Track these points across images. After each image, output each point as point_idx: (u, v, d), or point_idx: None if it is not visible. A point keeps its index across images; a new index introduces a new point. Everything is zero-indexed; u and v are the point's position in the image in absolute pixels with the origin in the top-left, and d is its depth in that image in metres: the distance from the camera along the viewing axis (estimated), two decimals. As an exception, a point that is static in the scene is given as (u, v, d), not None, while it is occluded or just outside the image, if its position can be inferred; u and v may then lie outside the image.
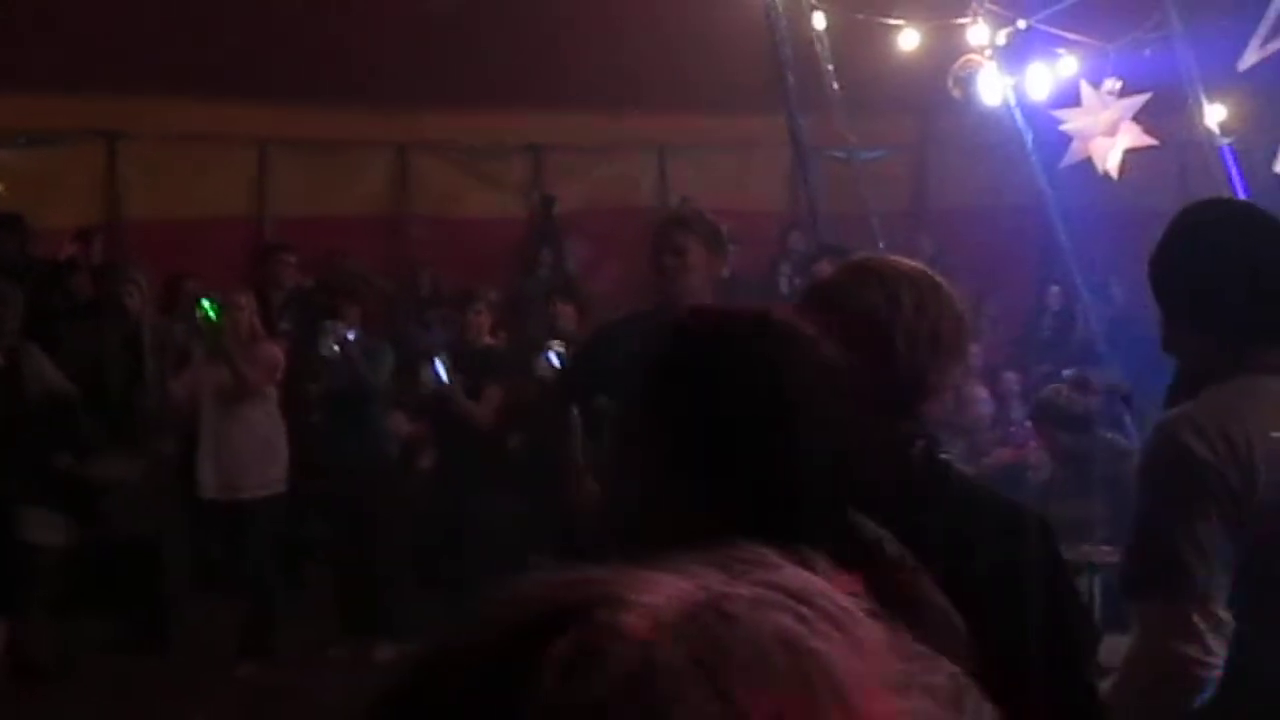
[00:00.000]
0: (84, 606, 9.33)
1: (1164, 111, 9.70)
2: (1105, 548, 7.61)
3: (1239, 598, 2.83)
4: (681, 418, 1.96)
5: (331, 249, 12.52)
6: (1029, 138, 10.24)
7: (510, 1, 11.40)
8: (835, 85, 10.43)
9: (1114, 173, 9.59)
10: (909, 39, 10.11)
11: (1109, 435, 8.77)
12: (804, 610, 0.77)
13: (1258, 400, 2.92)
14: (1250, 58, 9.43)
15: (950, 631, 1.93)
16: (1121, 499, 7.62)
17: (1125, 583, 2.98)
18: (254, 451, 9.24)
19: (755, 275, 12.81)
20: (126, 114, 12.59)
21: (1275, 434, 2.87)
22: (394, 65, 11.94)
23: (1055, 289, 12.95)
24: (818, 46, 10.37)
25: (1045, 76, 9.81)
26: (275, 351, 9.51)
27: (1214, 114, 9.69)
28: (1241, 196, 8.67)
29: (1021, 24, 9.50)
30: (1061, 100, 9.82)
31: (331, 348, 9.27)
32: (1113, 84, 9.57)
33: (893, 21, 10.19)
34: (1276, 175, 9.42)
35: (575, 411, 6.51)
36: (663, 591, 0.76)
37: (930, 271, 2.66)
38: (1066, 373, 11.02)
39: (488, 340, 10.71)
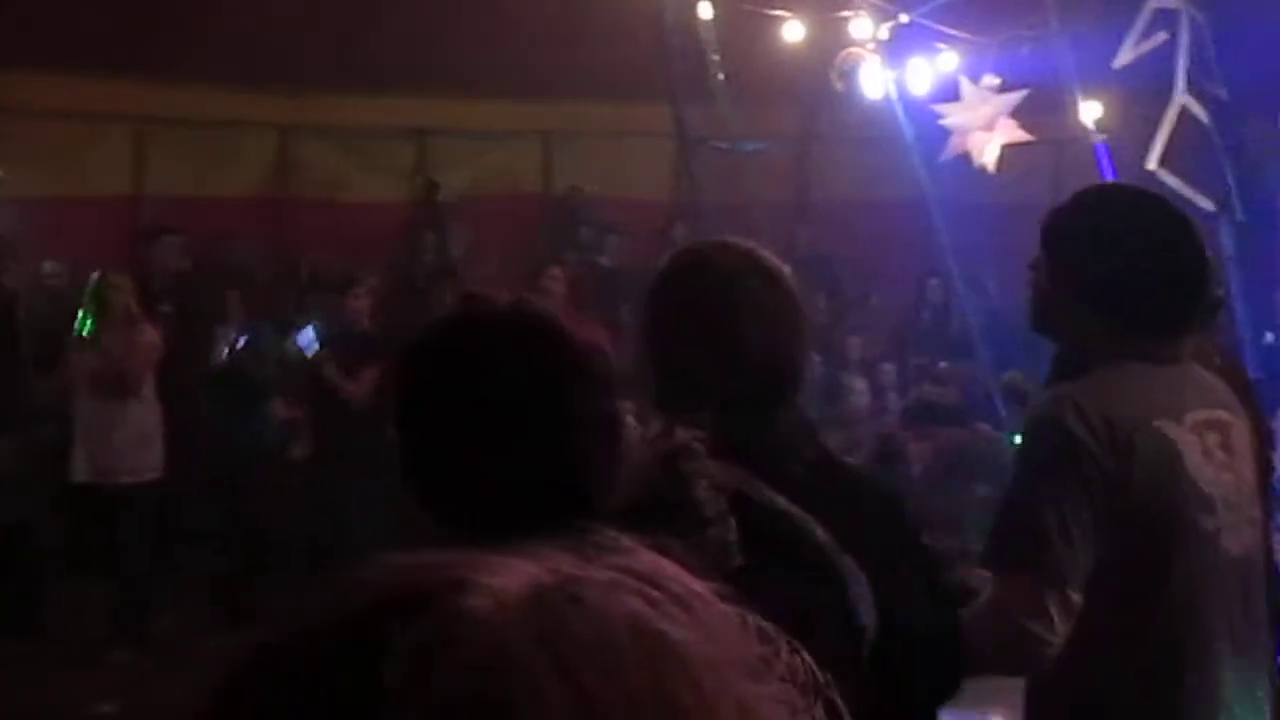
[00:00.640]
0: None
1: (1041, 108, 9.86)
2: (980, 537, 7.73)
3: (1098, 583, 2.87)
4: (436, 403, 2.02)
5: (212, 231, 12.36)
6: (910, 131, 10.34)
7: (396, -16, 11.33)
8: (720, 76, 10.47)
9: (991, 167, 9.73)
10: (793, 31, 10.17)
11: (983, 427, 8.90)
12: (654, 594, 0.76)
13: (1145, 388, 2.95)
14: (1125, 56, 9.61)
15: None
16: (993, 489, 7.75)
17: (987, 552, 3.01)
18: (130, 437, 9.11)
19: (639, 265, 12.83)
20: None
21: (1157, 423, 2.90)
22: (277, 45, 11.80)
23: (934, 282, 13.08)
24: (704, 37, 10.40)
25: (926, 71, 9.92)
26: (153, 335, 9.38)
27: (1089, 111, 9.85)
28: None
29: (904, 18, 9.59)
30: (941, 95, 9.94)
31: (223, 354, 9.19)
32: (991, 80, 9.71)
33: (778, 13, 10.24)
34: (1149, 172, 9.61)
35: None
36: (511, 575, 0.75)
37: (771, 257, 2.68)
38: (942, 364, 11.18)
39: (367, 325, 10.63)
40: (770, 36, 10.30)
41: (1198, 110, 9.92)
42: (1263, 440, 3.94)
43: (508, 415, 1.97)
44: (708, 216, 10.77)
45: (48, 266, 11.56)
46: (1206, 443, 2.95)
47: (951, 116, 9.86)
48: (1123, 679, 2.87)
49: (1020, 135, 9.71)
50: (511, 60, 12.44)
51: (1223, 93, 9.96)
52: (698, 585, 0.79)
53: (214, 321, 9.23)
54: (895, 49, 9.96)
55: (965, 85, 9.77)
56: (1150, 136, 9.89)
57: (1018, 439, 3.10)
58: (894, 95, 10.19)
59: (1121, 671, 2.86)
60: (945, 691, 2.76)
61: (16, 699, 8.13)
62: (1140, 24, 9.57)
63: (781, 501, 2.35)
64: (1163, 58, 9.87)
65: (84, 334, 9.07)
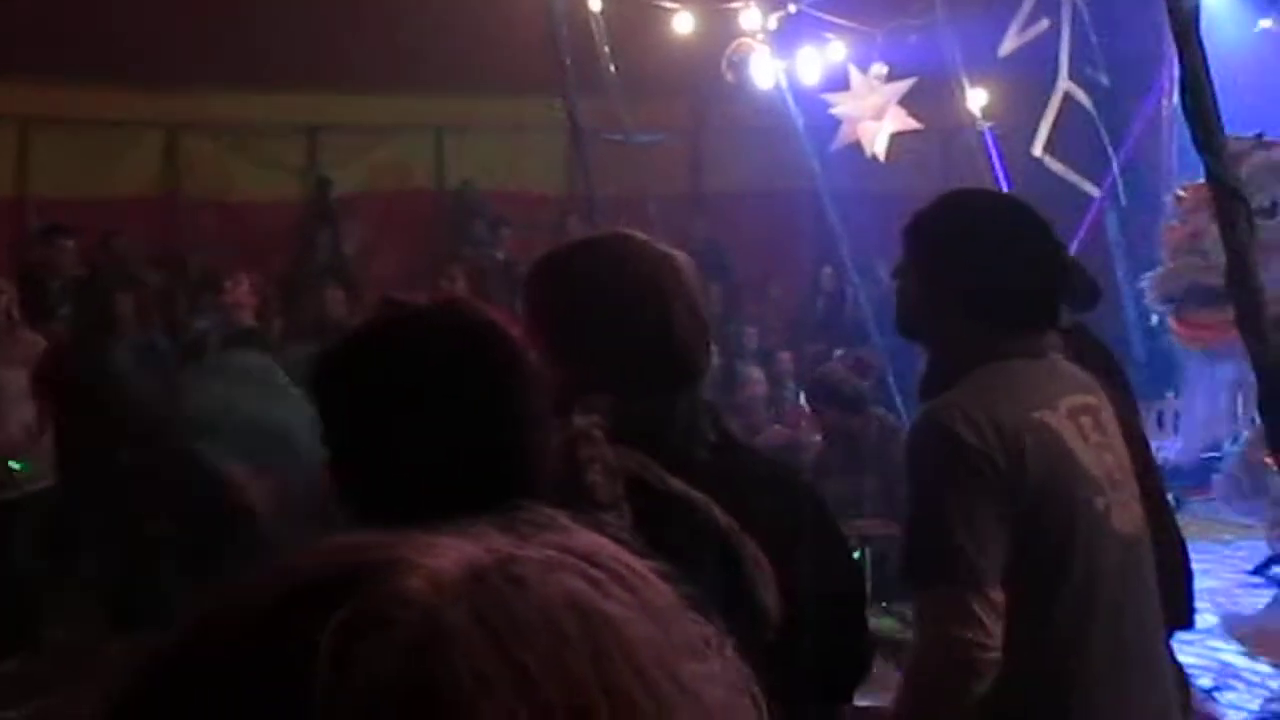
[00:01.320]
0: None
1: (929, 96, 9.97)
2: (876, 521, 7.82)
3: (1015, 583, 2.90)
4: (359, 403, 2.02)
5: (101, 232, 12.19)
6: (801, 121, 10.42)
7: (285, -20, 11.24)
8: (612, 68, 10.49)
9: (881, 155, 9.84)
10: (684, 23, 10.22)
11: (879, 413, 8.99)
12: (594, 572, 0.75)
13: (1018, 383, 2.99)
14: (1009, 44, 9.76)
15: None
16: (891, 474, 7.84)
17: (905, 572, 3.02)
18: (17, 445, 8.96)
19: (533, 259, 12.80)
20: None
21: (1036, 414, 2.95)
22: (165, 42, 11.66)
23: (828, 271, 13.18)
24: (594, 29, 10.42)
25: (815, 61, 10.00)
26: (35, 340, 9.21)
27: (976, 99, 10.00)
28: (1002, 178, 8.96)
29: (792, 9, 9.67)
30: (831, 84, 10.04)
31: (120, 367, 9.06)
32: (880, 69, 9.81)
33: (668, 5, 10.28)
34: (1034, 158, 9.77)
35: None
36: (448, 555, 0.73)
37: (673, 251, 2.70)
38: (838, 353, 11.28)
39: (250, 322, 10.50)
40: (661, 28, 10.34)
41: (1081, 96, 10.10)
42: (1130, 416, 4.02)
43: (445, 408, 1.97)
44: (601, 209, 10.78)
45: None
46: (1082, 427, 3.01)
47: (841, 106, 9.96)
48: (1033, 668, 2.90)
49: (909, 123, 9.82)
50: (402, 55, 12.38)
51: (1104, 79, 10.16)
52: (638, 564, 0.77)
53: (105, 326, 9.06)
54: (784, 39, 10.04)
55: (854, 75, 9.87)
56: (1036, 123, 10.06)
57: (907, 454, 3.11)
58: (784, 85, 10.26)
59: (1032, 661, 2.89)
60: (853, 676, 2.79)
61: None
62: (1023, 12, 9.72)
63: (680, 486, 2.36)
64: (1046, 45, 10.04)
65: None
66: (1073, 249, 5.84)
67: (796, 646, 2.41)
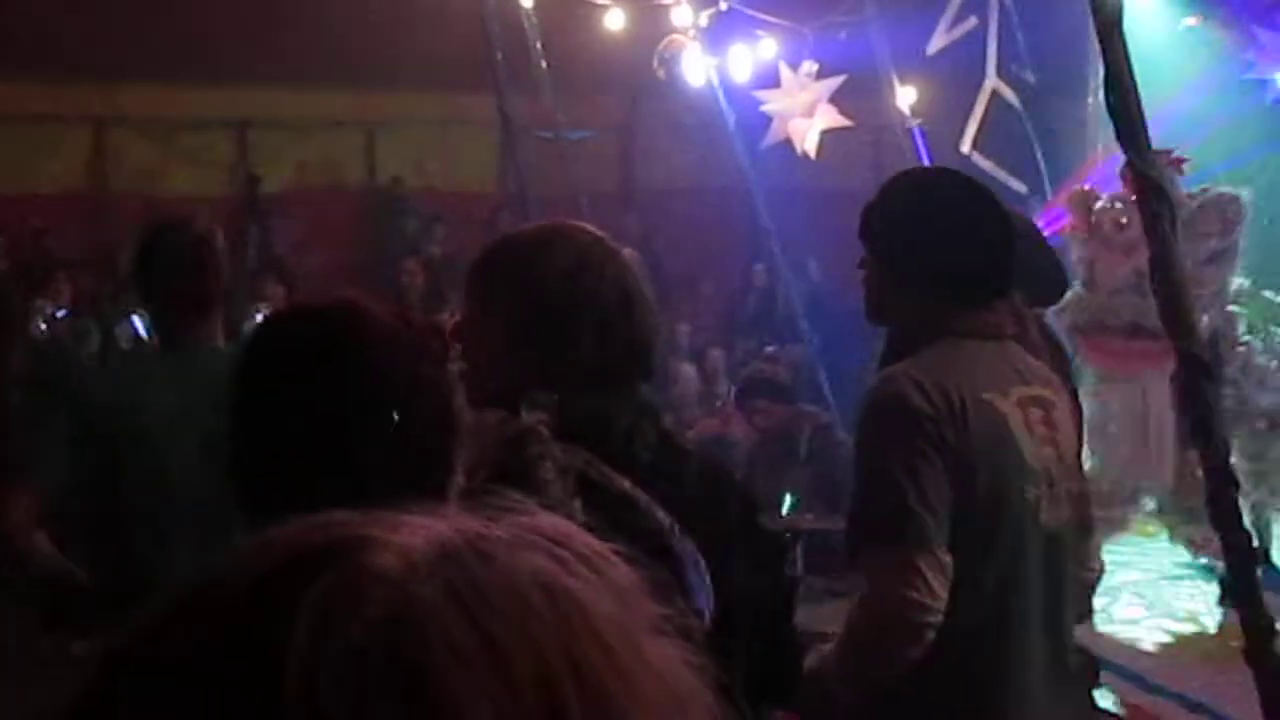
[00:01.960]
0: None
1: (859, 94, 10.02)
2: (808, 515, 7.86)
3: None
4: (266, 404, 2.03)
5: (28, 228, 12.07)
6: (732, 118, 10.45)
7: (213, -26, 11.17)
8: (543, 65, 10.48)
9: (812, 153, 9.89)
10: (615, 19, 10.22)
11: (809, 408, 9.05)
12: (560, 552, 0.76)
13: (967, 362, 3.03)
14: (937, 42, 9.84)
15: None
16: (822, 469, 7.89)
17: (852, 532, 3.05)
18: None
19: (466, 256, 12.77)
20: None
21: (985, 395, 2.99)
22: (92, 36, 11.54)
23: (760, 268, 13.23)
24: (526, 25, 10.41)
25: (746, 58, 10.04)
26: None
27: (905, 96, 10.06)
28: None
29: (723, 5, 9.69)
30: (762, 82, 10.07)
31: (39, 326, 8.96)
32: (810, 66, 9.86)
33: (599, 2, 10.28)
34: (963, 155, 9.85)
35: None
36: (418, 532, 0.74)
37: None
38: (769, 349, 11.34)
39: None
40: (592, 25, 10.34)
41: (1008, 94, 10.20)
42: (1081, 416, 4.09)
43: (360, 403, 1.97)
44: (534, 206, 10.78)
45: None
46: (1030, 417, 3.05)
47: (772, 103, 10.00)
48: (949, 647, 2.93)
49: (839, 121, 9.88)
50: (333, 50, 12.32)
51: (1031, 77, 10.26)
52: (601, 547, 0.79)
53: (40, 316, 8.98)
54: (715, 36, 10.06)
55: (785, 72, 9.92)
56: (964, 120, 10.14)
57: (858, 423, 3.14)
58: (715, 82, 10.29)
59: (948, 639, 2.92)
60: (784, 679, 2.81)
61: None
62: (951, 11, 9.80)
63: (625, 484, 2.37)
64: (974, 44, 10.13)
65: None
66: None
67: (729, 648, 2.42)
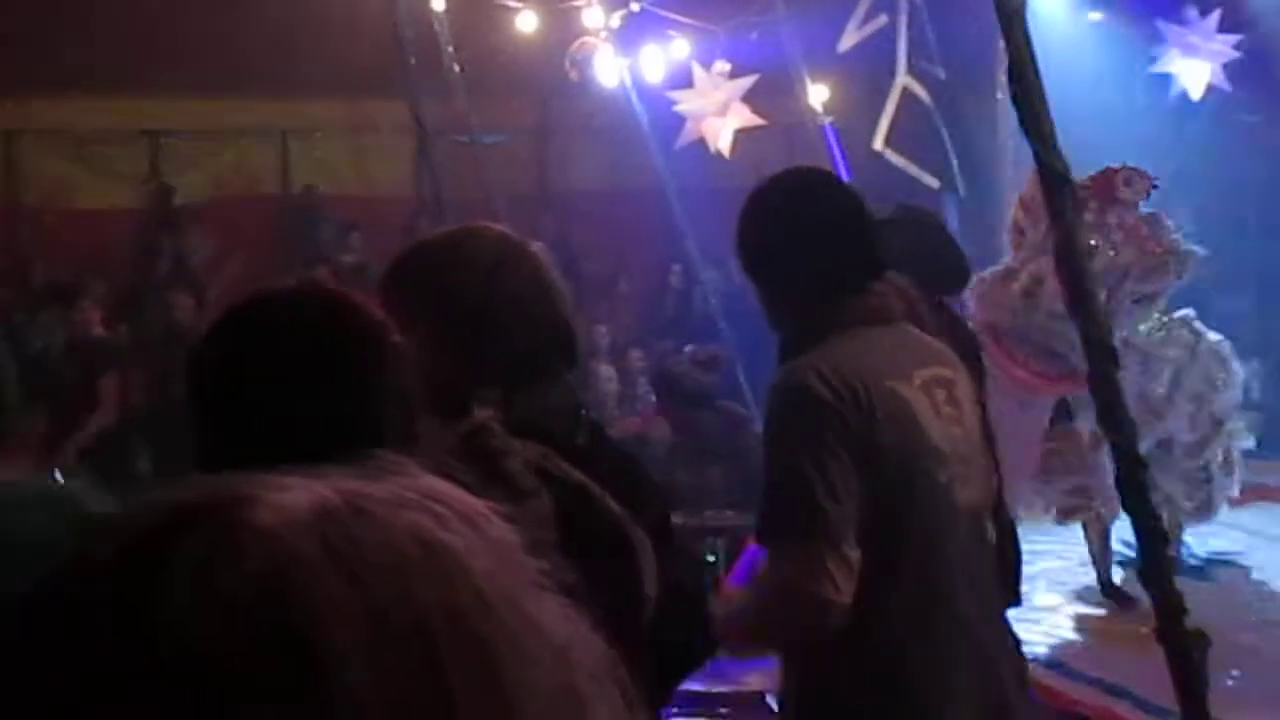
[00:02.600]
0: None
1: (771, 93, 10.08)
2: (728, 512, 7.89)
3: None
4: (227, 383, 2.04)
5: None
6: (646, 119, 10.48)
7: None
8: (456, 68, 10.47)
9: (726, 152, 9.93)
10: (527, 22, 10.23)
11: (727, 405, 9.08)
12: (439, 510, 0.77)
13: (866, 350, 3.05)
14: (848, 40, 9.91)
15: None
16: (739, 466, 7.92)
17: (761, 523, 3.07)
18: None
19: (382, 262, 12.69)
20: None
21: (889, 383, 3.01)
22: (-2, 48, 11.42)
23: (676, 268, 13.27)
24: (438, 29, 10.39)
25: (658, 59, 10.07)
26: None
27: (817, 94, 10.14)
28: (844, 171, 9.09)
29: (635, 6, 9.73)
30: (675, 82, 10.11)
31: None
32: (722, 66, 9.91)
33: (511, 5, 10.29)
34: (875, 152, 9.93)
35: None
36: (297, 492, 0.75)
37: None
38: (689, 349, 11.36)
39: (99, 331, 10.35)
40: (504, 28, 10.34)
41: (919, 90, 10.27)
42: (982, 397, 4.12)
43: (306, 375, 1.98)
44: (449, 210, 10.76)
45: None
46: (935, 399, 3.08)
47: (685, 103, 10.04)
48: (870, 635, 2.96)
49: (753, 120, 9.93)
50: (244, 58, 12.24)
51: (941, 73, 10.34)
52: (480, 505, 0.80)
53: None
54: (628, 37, 10.09)
55: (697, 72, 9.96)
56: (876, 117, 10.22)
57: (765, 416, 3.17)
58: (628, 83, 10.32)
59: (869, 627, 2.95)
60: (701, 658, 2.83)
61: None
62: (861, 9, 9.87)
63: (580, 475, 2.39)
64: (884, 41, 10.20)
65: None
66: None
67: (664, 631, 2.44)
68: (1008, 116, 10.69)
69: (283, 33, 11.86)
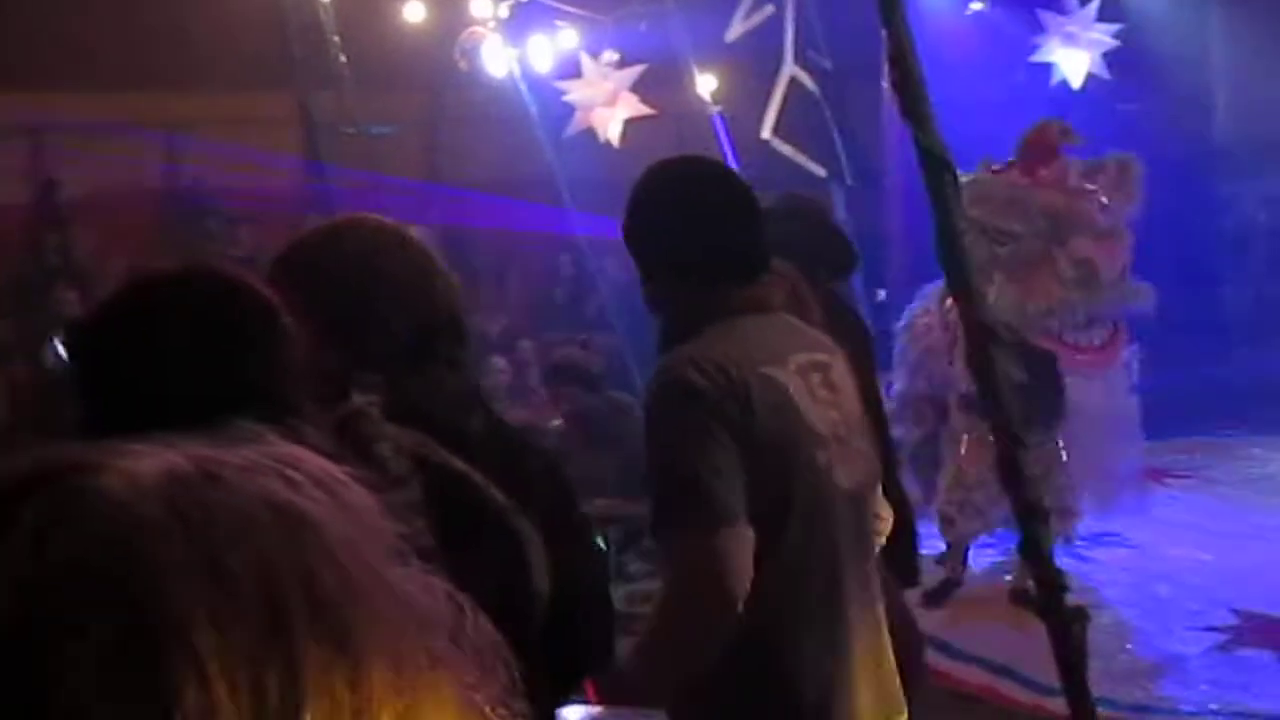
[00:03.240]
0: None
1: (660, 82, 10.12)
2: (618, 500, 7.91)
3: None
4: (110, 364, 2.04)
5: None
6: (535, 109, 10.48)
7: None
8: (343, 59, 10.41)
9: (615, 142, 9.95)
10: (414, 12, 10.19)
11: (617, 395, 9.10)
12: (293, 475, 0.77)
13: (743, 338, 3.08)
14: (735, 30, 9.97)
15: None
16: (631, 454, 7.93)
17: (654, 516, 3.08)
18: None
19: (270, 255, 12.57)
20: None
21: (765, 370, 3.04)
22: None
23: (566, 258, 13.27)
24: (324, 21, 10.33)
25: (547, 48, 10.07)
26: None
27: (705, 84, 10.19)
28: (732, 161, 9.15)
29: (522, -5, 9.73)
30: (563, 72, 10.12)
31: None
32: (611, 56, 9.92)
33: (399, -5, 10.25)
34: (763, 141, 10.00)
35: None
36: (146, 458, 0.75)
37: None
38: (582, 338, 11.39)
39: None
40: (392, 19, 10.29)
41: (805, 80, 10.36)
42: (870, 380, 4.17)
43: (193, 350, 1.98)
44: (339, 202, 10.70)
45: None
46: (811, 383, 3.11)
47: (574, 93, 10.05)
48: (753, 618, 2.97)
49: (641, 109, 9.96)
50: (130, 51, 12.08)
51: (828, 63, 10.44)
52: (338, 471, 0.80)
53: None
54: (516, 27, 10.08)
55: (586, 62, 9.97)
56: (764, 107, 10.29)
57: (644, 411, 3.19)
58: (517, 73, 10.31)
59: (750, 611, 2.96)
60: (601, 657, 2.84)
61: None
62: (748, -1, 9.94)
63: (461, 464, 2.37)
64: (772, 31, 10.28)
65: None
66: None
67: (558, 628, 2.44)
68: (893, 106, 10.84)
69: (168, 26, 11.73)
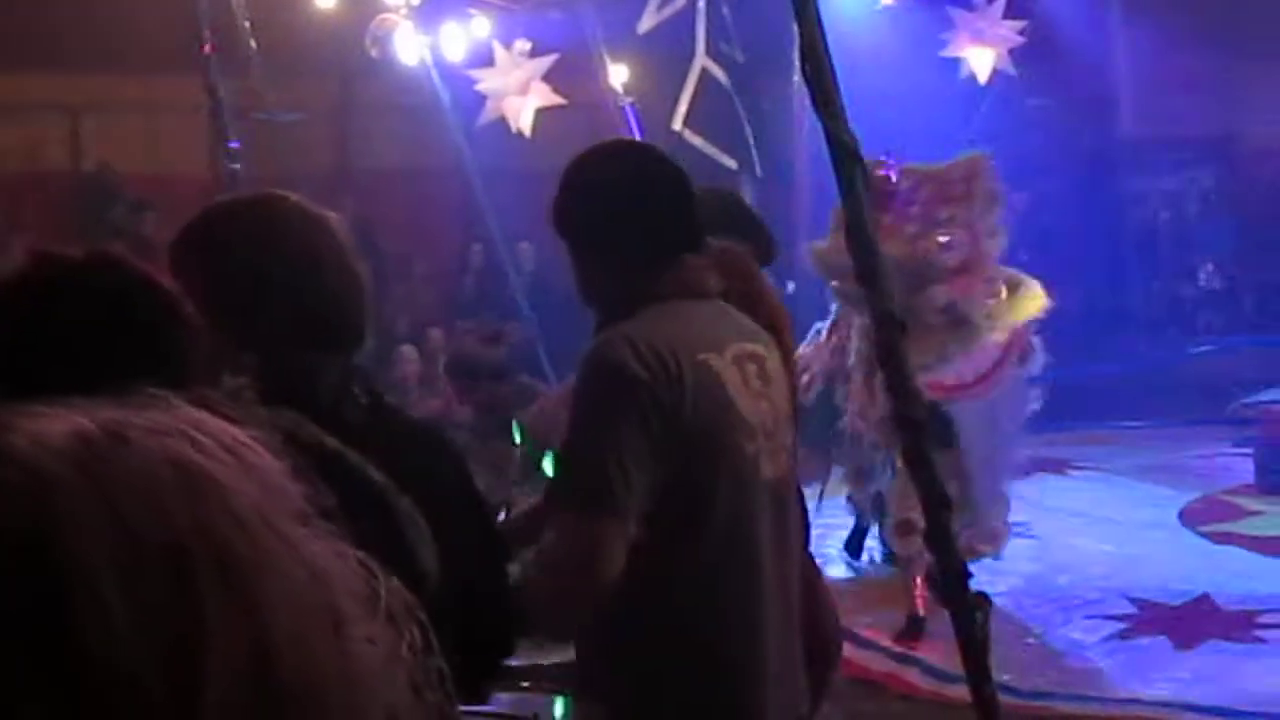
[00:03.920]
0: None
1: (572, 72, 10.12)
2: (525, 487, 7.92)
3: (653, 511, 2.99)
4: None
5: None
6: (447, 98, 10.44)
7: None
8: (253, 45, 10.31)
9: (527, 131, 9.94)
10: (326, -2, 10.13)
11: (527, 381, 9.12)
12: (200, 438, 0.79)
13: (680, 323, 3.07)
14: (647, 21, 9.99)
15: None
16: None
17: (551, 495, 3.09)
18: None
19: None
20: None
21: (701, 356, 3.06)
22: None
23: (477, 247, 13.25)
24: (234, 5, 10.22)
25: (459, 37, 10.04)
26: None
27: (617, 74, 10.21)
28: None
29: (435, -17, 9.68)
30: (475, 61, 10.09)
31: None
32: (523, 45, 9.91)
33: (310, -20, 10.17)
34: (674, 132, 10.03)
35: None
36: (54, 420, 0.76)
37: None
38: (494, 328, 11.40)
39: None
40: (303, 4, 10.22)
41: (717, 72, 10.41)
42: (793, 371, 4.21)
43: (95, 350, 1.97)
44: (246, 189, 10.58)
45: None
46: (745, 373, 3.12)
47: (486, 82, 10.02)
48: (671, 606, 3.00)
49: (553, 99, 9.95)
50: (35, 32, 11.91)
51: (739, 55, 10.49)
52: (242, 434, 0.82)
53: None
54: (428, 15, 10.04)
55: (498, 50, 9.95)
56: (676, 98, 10.33)
57: (575, 386, 3.18)
58: (429, 62, 10.27)
59: (670, 598, 2.99)
60: (503, 643, 2.84)
61: None
62: (660, -11, 9.96)
63: (335, 443, 2.35)
64: (684, 22, 10.31)
65: None
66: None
67: (451, 612, 2.43)
68: (803, 99, 10.91)
69: (76, 6, 11.57)
